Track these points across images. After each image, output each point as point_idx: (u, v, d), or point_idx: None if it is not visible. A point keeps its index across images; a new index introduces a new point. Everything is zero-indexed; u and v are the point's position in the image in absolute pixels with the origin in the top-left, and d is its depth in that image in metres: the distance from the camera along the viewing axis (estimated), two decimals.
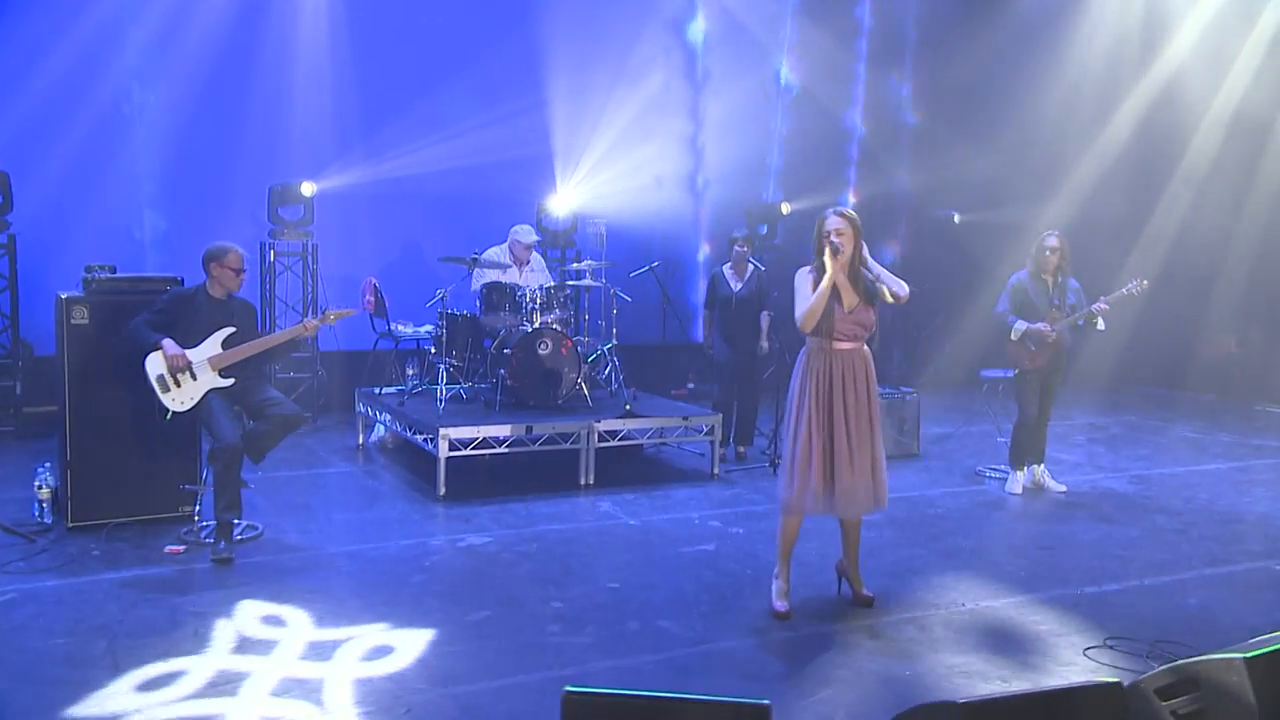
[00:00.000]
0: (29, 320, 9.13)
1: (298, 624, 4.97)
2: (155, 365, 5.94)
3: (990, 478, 8.41)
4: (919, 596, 5.60)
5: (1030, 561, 6.26)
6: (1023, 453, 8.02)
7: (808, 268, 5.25)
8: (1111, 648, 4.90)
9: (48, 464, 6.60)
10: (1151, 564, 6.29)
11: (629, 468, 8.34)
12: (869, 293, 5.19)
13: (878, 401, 5.26)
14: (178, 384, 5.97)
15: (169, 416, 5.99)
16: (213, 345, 6.08)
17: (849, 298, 5.14)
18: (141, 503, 6.46)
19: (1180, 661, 3.86)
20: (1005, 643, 4.96)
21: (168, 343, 5.94)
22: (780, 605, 5.22)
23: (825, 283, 5.08)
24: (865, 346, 5.27)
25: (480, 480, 7.84)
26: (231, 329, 6.14)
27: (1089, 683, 3.55)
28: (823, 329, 5.13)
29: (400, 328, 9.01)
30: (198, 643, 4.69)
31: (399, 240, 10.74)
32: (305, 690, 4.27)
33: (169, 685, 4.27)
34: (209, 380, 6.04)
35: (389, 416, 8.39)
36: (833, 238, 5.10)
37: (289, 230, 9.97)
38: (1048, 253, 7.78)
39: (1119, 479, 8.55)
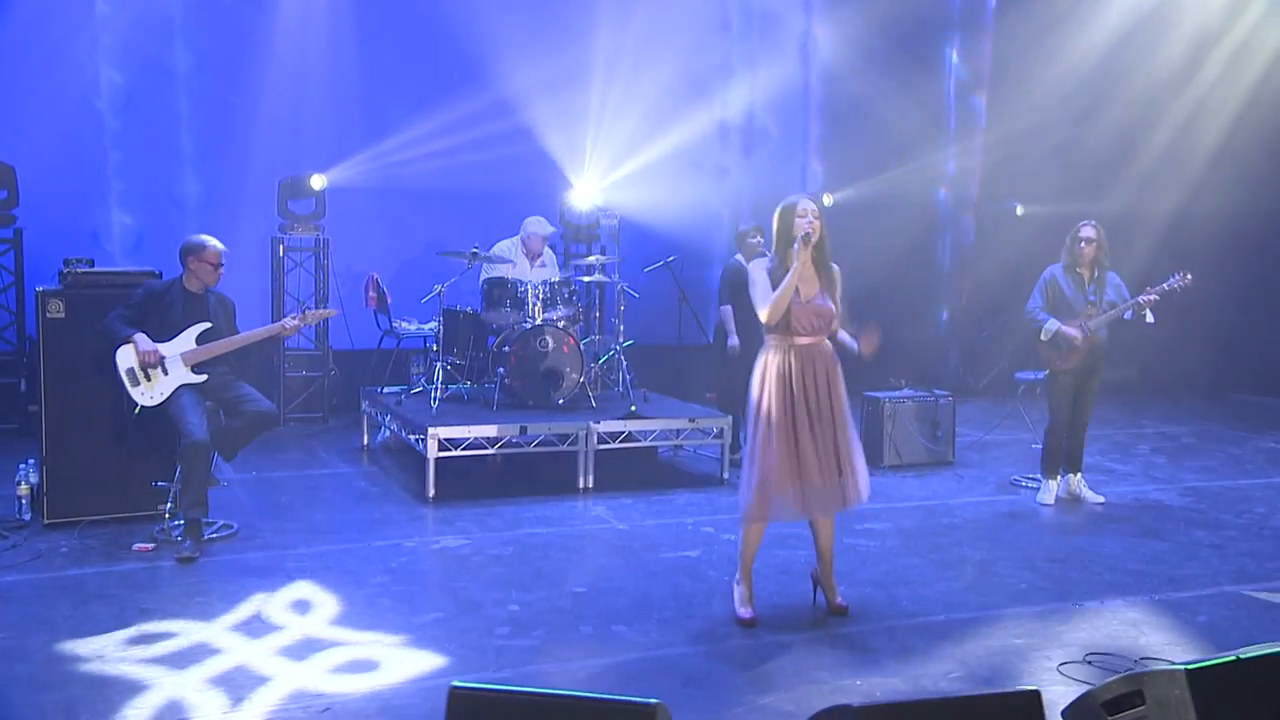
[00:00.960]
0: (35, 316, 9.58)
1: (241, 622, 5.22)
2: (126, 359, 6.25)
3: (1025, 487, 8.38)
4: (900, 607, 5.66)
5: (1035, 574, 6.26)
6: (1055, 460, 7.99)
7: (764, 259, 5.35)
8: (1091, 664, 4.92)
9: (30, 460, 6.98)
10: (1171, 579, 6.25)
11: (636, 472, 8.49)
12: (830, 283, 5.29)
13: (844, 397, 5.33)
14: (148, 379, 6.27)
15: (137, 410, 6.30)
16: (187, 340, 6.37)
17: (807, 288, 5.24)
18: (119, 500, 6.78)
19: (1128, 674, 3.90)
20: (975, 656, 5.00)
21: (140, 337, 6.25)
22: (744, 612, 5.33)
23: (793, 273, 5.16)
24: (827, 341, 5.35)
25: (476, 483, 8.07)
26: (207, 324, 6.43)
27: (1004, 690, 3.61)
28: (782, 323, 5.22)
29: (404, 325, 9.28)
30: (135, 637, 4.96)
31: (416, 235, 10.99)
32: (230, 685, 4.50)
33: (92, 664, 4.56)
34: (180, 376, 6.34)
35: (388, 416, 8.66)
36: (810, 218, 5.18)
37: (299, 224, 10.32)
38: (1082, 244, 7.74)
39: (1170, 491, 8.44)
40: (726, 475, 8.34)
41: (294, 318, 6.66)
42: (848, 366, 11.82)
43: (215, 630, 5.11)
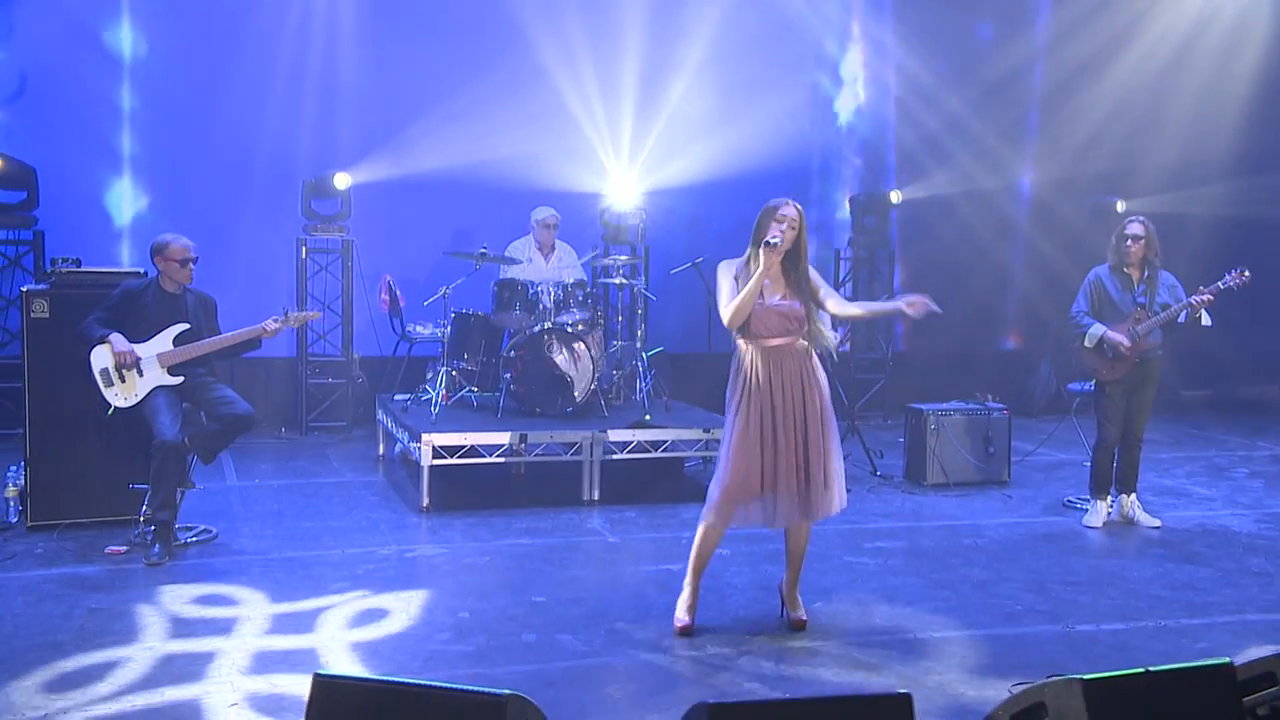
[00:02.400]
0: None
1: (184, 619, 5.76)
2: (100, 359, 6.85)
3: (1078, 509, 8.46)
4: (872, 624, 5.91)
5: (1039, 596, 6.43)
6: (1104, 480, 8.08)
7: (734, 260, 5.67)
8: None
9: (21, 463, 7.66)
10: (1192, 606, 6.35)
11: (651, 485, 8.84)
12: (798, 286, 5.58)
13: (823, 401, 5.63)
14: (123, 380, 6.86)
15: (110, 412, 6.90)
16: (163, 341, 6.95)
17: (771, 289, 5.54)
18: (103, 503, 7.36)
19: (1032, 685, 4.15)
20: (925, 674, 5.22)
21: (116, 337, 6.84)
22: (683, 619, 5.67)
23: (755, 281, 5.47)
24: (802, 341, 5.64)
25: (479, 492, 8.55)
26: (184, 325, 7.00)
27: (877, 693, 3.89)
28: (746, 326, 5.55)
29: (419, 329, 9.79)
30: (73, 636, 5.52)
31: (447, 237, 11.51)
32: (149, 678, 5.01)
33: (27, 672, 5.12)
34: (156, 377, 6.91)
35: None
36: (786, 225, 5.49)
37: (323, 225, 10.95)
38: (1129, 243, 7.85)
39: (1246, 517, 8.43)
40: None
41: (276, 320, 7.17)
42: (919, 378, 12.02)
43: (154, 626, 5.65)
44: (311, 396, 11.03)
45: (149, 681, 5.00)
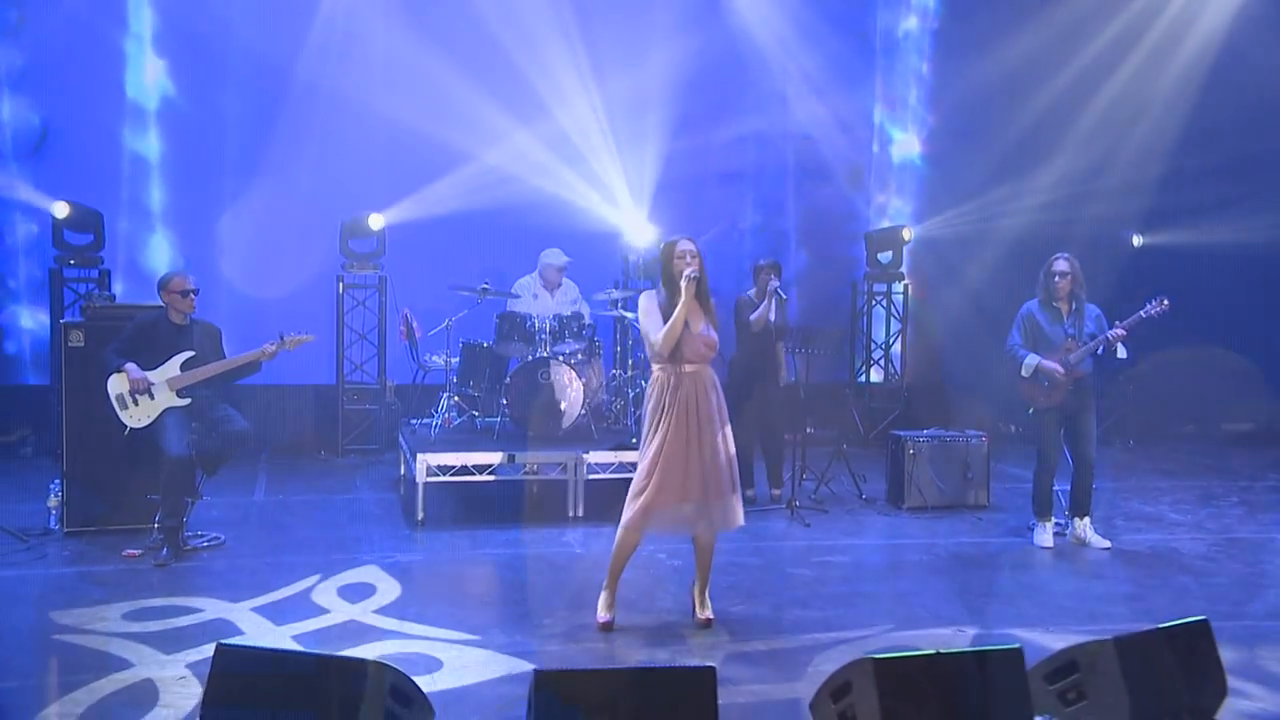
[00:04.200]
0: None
1: (156, 610, 6.66)
2: (116, 386, 7.82)
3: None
4: (778, 625, 6.59)
5: (949, 605, 7.02)
6: (1046, 501, 8.58)
7: (652, 292, 6.46)
8: None
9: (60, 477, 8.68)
10: (1092, 615, 6.89)
11: None
12: (712, 315, 6.36)
13: (723, 418, 6.35)
14: (136, 404, 7.83)
15: (127, 432, 7.87)
16: (172, 367, 7.90)
17: (694, 321, 6.31)
18: (128, 512, 8.31)
19: (844, 665, 4.81)
20: (802, 666, 5.90)
21: (130, 366, 7.80)
22: (602, 616, 6.41)
23: (681, 310, 6.25)
24: (709, 367, 6.39)
25: (477, 509, 9.36)
26: (190, 353, 7.95)
27: (681, 666, 4.59)
28: (675, 353, 6.31)
29: (434, 359, 10.67)
30: (68, 618, 6.46)
31: (475, 273, 12.35)
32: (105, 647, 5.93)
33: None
34: (166, 400, 7.86)
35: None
36: (689, 258, 6.28)
37: (359, 263, 11.93)
38: (1057, 279, 8.41)
39: (1204, 541, 8.79)
40: None
41: (273, 344, 8.06)
42: (940, 408, 12.49)
43: (122, 618, 6.54)
44: (348, 421, 11.97)
45: (104, 651, 5.91)
